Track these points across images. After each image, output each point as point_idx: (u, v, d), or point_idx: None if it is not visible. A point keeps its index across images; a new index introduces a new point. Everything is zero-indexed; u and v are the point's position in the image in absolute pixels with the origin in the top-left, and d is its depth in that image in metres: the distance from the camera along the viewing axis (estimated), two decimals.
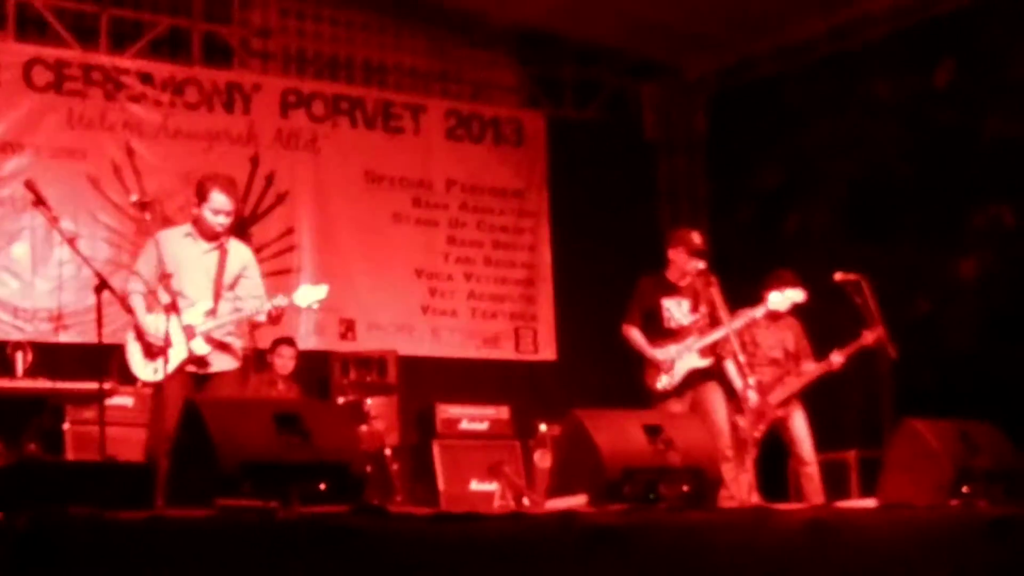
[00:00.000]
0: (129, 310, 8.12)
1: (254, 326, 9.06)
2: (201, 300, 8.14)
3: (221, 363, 8.21)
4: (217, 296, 8.20)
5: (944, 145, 12.08)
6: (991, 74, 11.92)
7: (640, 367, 9.58)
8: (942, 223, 12.09)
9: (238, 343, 8.39)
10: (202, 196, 8.20)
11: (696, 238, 9.53)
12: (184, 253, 8.19)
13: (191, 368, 8.04)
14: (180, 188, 12.12)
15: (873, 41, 12.71)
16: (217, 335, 8.15)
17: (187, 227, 8.36)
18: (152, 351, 8.05)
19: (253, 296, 8.33)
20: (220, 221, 8.19)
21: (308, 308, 8.53)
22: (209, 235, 8.23)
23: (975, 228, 11.92)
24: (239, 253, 8.41)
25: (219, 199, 8.16)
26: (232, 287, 8.30)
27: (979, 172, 11.84)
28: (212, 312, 8.15)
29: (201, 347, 8.06)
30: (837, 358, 10.11)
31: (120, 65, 12.39)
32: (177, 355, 7.95)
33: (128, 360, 8.22)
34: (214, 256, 8.25)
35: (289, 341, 11.69)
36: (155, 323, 8.02)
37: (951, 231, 12.06)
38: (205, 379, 8.15)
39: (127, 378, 8.68)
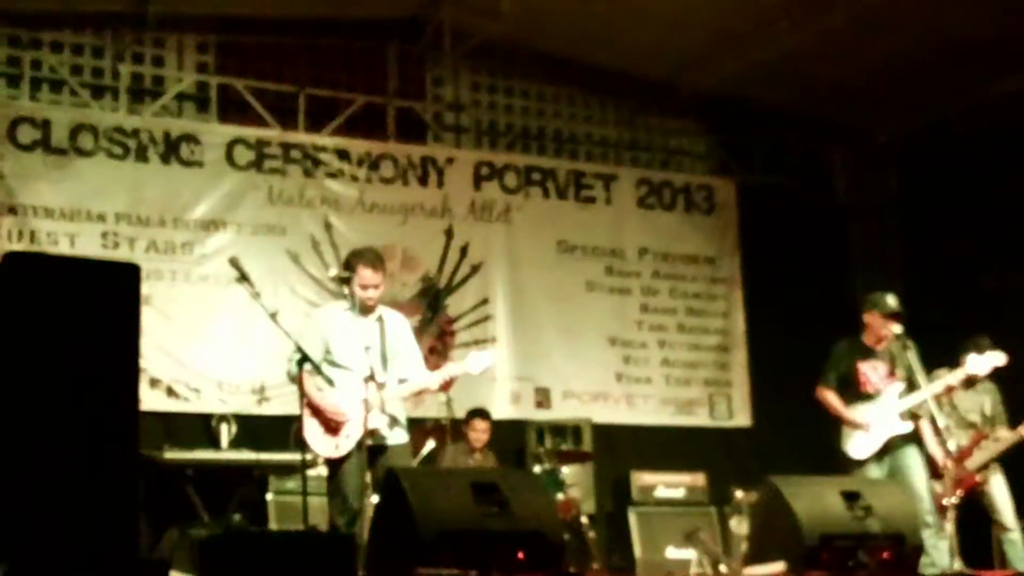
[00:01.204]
0: (301, 388, 8.19)
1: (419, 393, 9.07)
2: (367, 373, 8.09)
3: (394, 435, 8.25)
4: (384, 363, 8.23)
5: None
6: None
7: (836, 432, 9.48)
8: None
9: (404, 415, 8.45)
10: (351, 271, 8.30)
11: (892, 301, 9.43)
12: (345, 328, 8.26)
13: (368, 441, 8.09)
14: None
15: None
16: (389, 408, 8.23)
17: (345, 303, 8.47)
18: (331, 426, 8.12)
19: (413, 364, 8.41)
20: (369, 295, 8.27)
21: (480, 375, 8.55)
22: (363, 308, 8.29)
23: None
24: (394, 323, 8.46)
25: (365, 273, 8.25)
26: (395, 353, 8.35)
27: None
28: (382, 385, 8.16)
29: (378, 419, 8.10)
30: None
31: (318, 143, 12.68)
32: (356, 430, 7.99)
33: (306, 436, 8.18)
34: (375, 328, 8.31)
35: (483, 413, 11.66)
36: (331, 399, 8.12)
37: None
38: (379, 452, 8.16)
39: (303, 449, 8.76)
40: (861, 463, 9.28)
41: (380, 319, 8.36)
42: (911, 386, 9.29)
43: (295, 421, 8.16)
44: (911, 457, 9.33)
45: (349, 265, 8.34)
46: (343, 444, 8.01)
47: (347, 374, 8.12)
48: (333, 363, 8.20)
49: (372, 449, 8.10)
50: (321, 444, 8.13)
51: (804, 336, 12.40)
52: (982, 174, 13.23)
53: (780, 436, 13.23)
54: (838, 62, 12.75)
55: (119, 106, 12.13)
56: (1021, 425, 9.98)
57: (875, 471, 9.23)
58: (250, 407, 11.79)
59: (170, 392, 11.63)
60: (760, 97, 13.99)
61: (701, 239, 14.23)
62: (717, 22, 12.40)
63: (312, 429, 8.16)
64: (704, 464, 12.64)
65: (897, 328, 9.25)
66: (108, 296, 4.83)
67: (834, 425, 9.49)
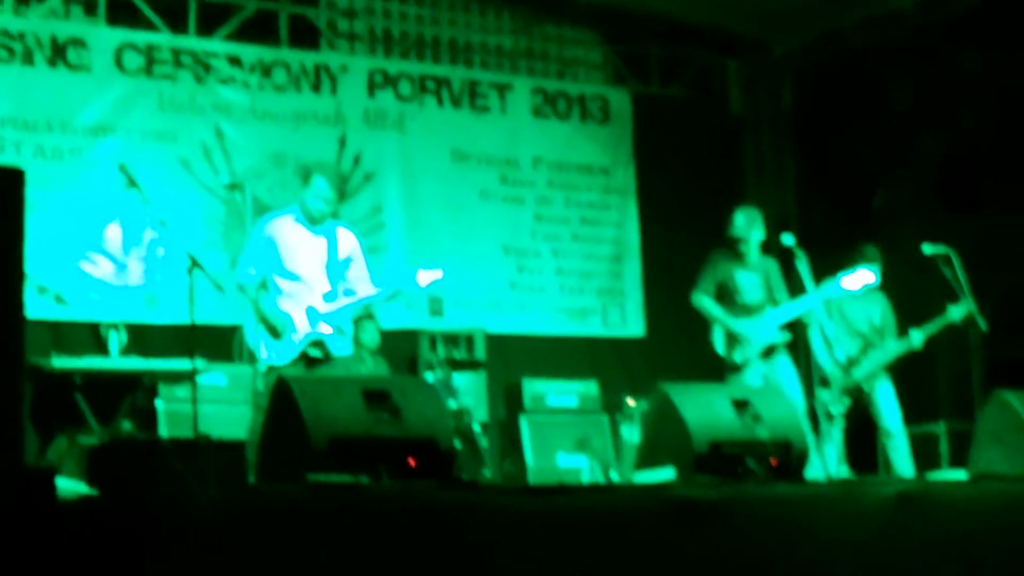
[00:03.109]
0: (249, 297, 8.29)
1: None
2: (317, 284, 8.31)
3: (339, 347, 8.37)
4: (333, 278, 8.36)
5: None
6: None
7: (714, 337, 9.59)
8: None
9: (350, 327, 8.57)
10: (305, 181, 8.44)
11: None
12: (295, 238, 8.39)
13: (313, 352, 8.21)
14: (269, 169, 12.30)
15: (962, 12, 12.54)
16: (336, 320, 8.29)
17: (294, 212, 8.53)
18: (275, 335, 8.23)
19: (362, 281, 8.47)
20: (320, 208, 8.34)
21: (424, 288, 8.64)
22: (312, 220, 8.40)
23: None
24: (346, 239, 8.55)
25: (320, 184, 8.37)
26: (346, 269, 8.45)
27: None
28: (330, 296, 8.30)
29: (323, 330, 8.23)
30: (918, 337, 10.01)
31: (209, 49, 12.51)
32: (300, 339, 8.18)
33: (250, 343, 8.46)
34: (323, 241, 8.42)
35: (370, 315, 11.72)
36: (276, 308, 8.25)
37: None
38: (323, 363, 8.30)
39: (251, 360, 8.85)
40: (736, 368, 9.40)
41: (330, 232, 8.42)
42: (797, 296, 9.39)
43: (238, 329, 8.28)
44: (784, 366, 9.46)
45: (306, 174, 8.47)
46: (285, 353, 8.14)
47: (295, 284, 8.27)
48: (283, 272, 8.29)
49: (318, 360, 8.24)
50: (265, 352, 8.25)
51: (697, 246, 12.44)
52: (877, 87, 13.30)
53: (672, 345, 13.33)
54: None
55: (4, 8, 11.84)
56: (908, 334, 10.08)
57: (752, 377, 9.35)
58: (140, 314, 11.69)
59: (58, 299, 11.50)
60: (656, 7, 13.94)
61: (596, 149, 14.22)
62: None
63: (259, 336, 8.29)
64: (597, 372, 12.72)
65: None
66: None
67: (713, 331, 9.60)
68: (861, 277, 9.50)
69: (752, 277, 9.57)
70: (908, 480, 8.72)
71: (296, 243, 8.38)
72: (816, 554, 6.03)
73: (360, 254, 8.60)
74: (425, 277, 8.36)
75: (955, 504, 6.68)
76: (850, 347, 10.04)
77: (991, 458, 7.89)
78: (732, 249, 9.68)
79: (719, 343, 9.53)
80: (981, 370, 9.59)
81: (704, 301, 9.60)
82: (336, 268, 8.40)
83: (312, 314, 8.22)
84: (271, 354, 8.26)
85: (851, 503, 6.48)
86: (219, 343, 10.99)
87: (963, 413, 10.34)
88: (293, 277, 8.33)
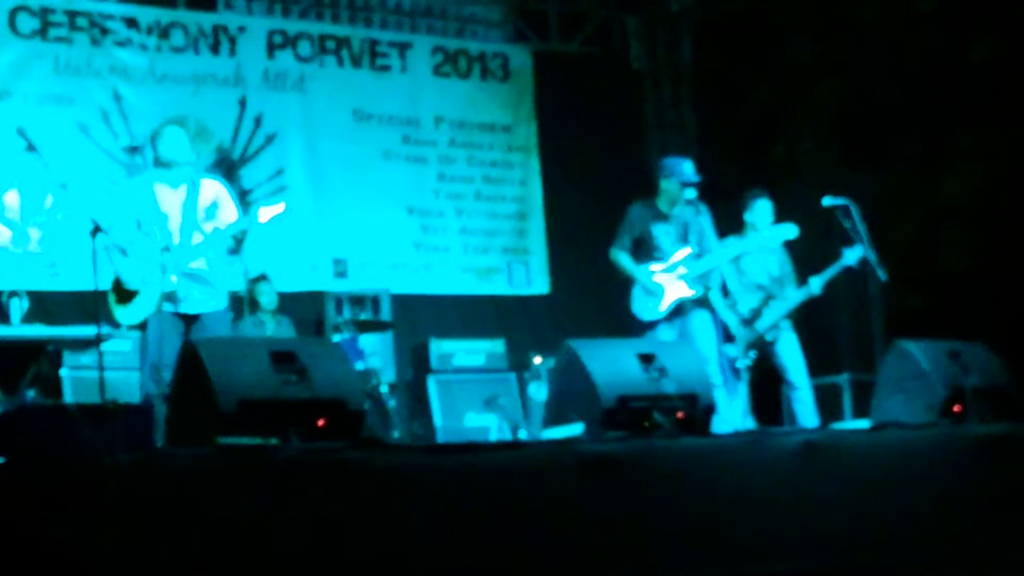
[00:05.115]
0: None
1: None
2: (173, 235, 8.28)
3: (204, 301, 8.34)
4: (187, 228, 8.30)
5: (931, 65, 12.05)
6: None
7: (629, 294, 9.61)
8: (930, 144, 12.09)
9: (223, 283, 8.51)
10: (154, 137, 8.52)
11: (688, 168, 9.52)
12: (152, 197, 8.35)
13: (173, 307, 8.19)
14: None
15: None
16: (190, 267, 8.27)
17: (153, 172, 8.53)
18: (124, 295, 8.24)
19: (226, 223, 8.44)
20: (173, 155, 8.38)
21: (266, 224, 8.53)
22: (168, 169, 8.41)
23: (963, 148, 11.92)
24: (210, 187, 8.53)
25: (173, 132, 8.50)
26: (208, 221, 8.39)
27: (967, 92, 11.82)
28: (183, 245, 8.28)
29: (175, 281, 8.17)
30: (816, 283, 10.09)
31: (104, 11, 12.36)
32: (153, 294, 8.15)
33: (109, 309, 8.41)
34: (182, 191, 8.38)
35: (264, 277, 11.65)
36: (127, 268, 8.22)
37: (939, 152, 12.06)
38: (194, 320, 8.28)
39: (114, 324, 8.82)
40: (652, 325, 9.44)
41: (190, 183, 8.40)
42: (703, 251, 9.44)
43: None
44: (699, 321, 9.49)
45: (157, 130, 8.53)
46: (136, 312, 8.15)
47: (148, 241, 8.22)
48: (140, 232, 8.29)
49: (187, 319, 8.24)
50: (119, 313, 8.31)
51: (601, 203, 12.53)
52: (773, 39, 13.37)
53: (578, 302, 13.41)
54: None
55: None
56: (806, 283, 10.14)
57: (666, 334, 9.39)
58: (42, 282, 11.57)
59: None
60: None
61: (497, 107, 14.22)
62: None
63: (111, 300, 8.33)
64: (503, 331, 12.74)
65: (691, 194, 9.36)
66: None
67: (628, 288, 9.61)
68: (783, 232, 9.61)
69: (669, 229, 9.57)
70: (813, 430, 8.81)
71: (156, 199, 8.35)
72: (724, 506, 6.10)
73: (228, 200, 8.54)
74: (266, 213, 8.26)
75: (858, 452, 6.78)
76: (751, 300, 10.10)
77: (893, 407, 8.00)
78: (650, 200, 9.68)
79: (635, 300, 9.54)
80: (881, 322, 9.68)
81: (620, 257, 9.59)
82: (195, 217, 8.35)
83: (163, 265, 8.19)
84: (125, 315, 8.30)
85: (757, 454, 6.56)
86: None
87: (865, 364, 10.45)
88: (149, 235, 8.30)
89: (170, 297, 8.17)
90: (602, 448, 6.23)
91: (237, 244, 8.56)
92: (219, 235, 8.32)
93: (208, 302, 8.37)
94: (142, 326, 8.27)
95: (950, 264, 11.94)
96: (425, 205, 13.67)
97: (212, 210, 8.42)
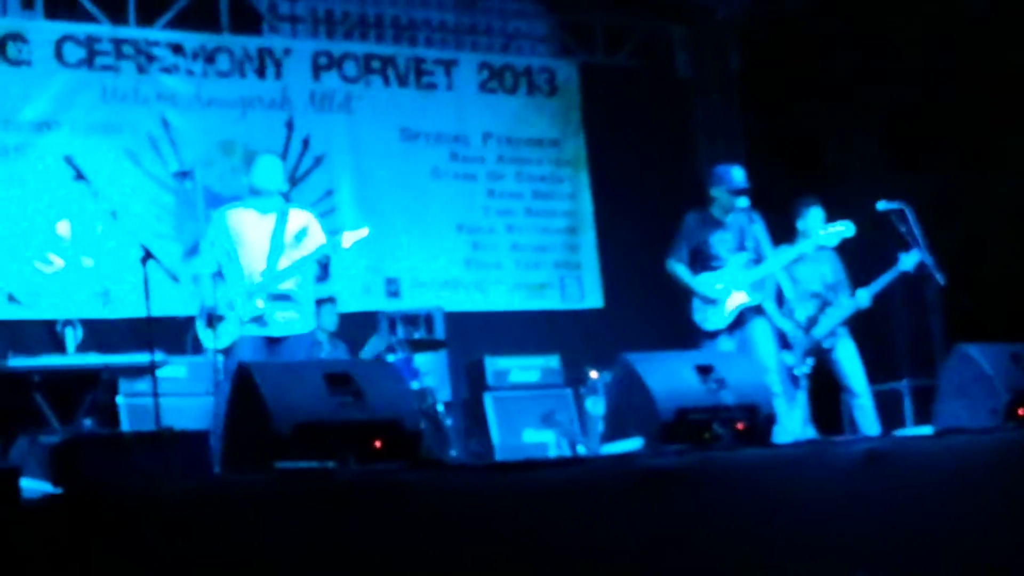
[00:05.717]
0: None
1: None
2: (260, 261, 8.43)
3: (290, 324, 8.45)
4: (275, 255, 8.44)
5: (980, 68, 11.93)
6: None
7: (688, 305, 9.54)
8: (981, 146, 11.97)
9: (310, 307, 8.66)
10: (248, 164, 8.75)
11: (738, 175, 9.46)
12: (244, 224, 8.53)
13: (259, 330, 8.33)
14: (218, 157, 12.24)
15: None
16: (276, 290, 8.39)
17: (244, 200, 8.68)
18: (211, 320, 8.35)
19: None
20: (266, 184, 8.55)
21: (350, 249, 8.65)
22: (259, 198, 8.58)
23: (1014, 150, 11.80)
24: (299, 215, 8.68)
25: (265, 160, 8.70)
26: (296, 248, 8.51)
27: (1017, 94, 11.69)
28: (269, 270, 8.41)
29: (261, 306, 8.33)
30: (864, 295, 9.99)
31: (150, 38, 12.40)
32: (239, 319, 8.32)
33: (199, 335, 8.66)
34: (271, 218, 8.52)
35: (331, 299, 11.62)
36: (216, 294, 8.38)
37: (991, 153, 11.94)
38: (279, 343, 8.40)
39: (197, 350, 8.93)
40: (712, 336, 9.36)
41: (280, 212, 8.55)
42: (759, 259, 9.37)
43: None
44: (759, 329, 9.42)
45: (249, 159, 8.97)
46: (223, 336, 8.28)
47: (236, 267, 8.46)
48: (235, 261, 8.47)
49: (271, 341, 8.40)
50: (207, 338, 8.46)
51: (651, 214, 12.48)
52: (822, 46, 13.28)
53: (632, 315, 13.33)
54: None
55: None
56: (856, 293, 10.06)
57: (726, 344, 9.32)
58: (95, 310, 11.60)
59: (11, 299, 11.41)
60: None
61: (545, 122, 14.18)
62: None
63: (200, 326, 8.52)
64: (558, 346, 12.68)
65: (743, 202, 9.31)
66: None
67: (686, 298, 9.54)
68: (840, 232, 9.55)
69: (726, 237, 9.50)
70: (875, 438, 8.72)
71: (246, 228, 8.50)
72: (786, 517, 6.03)
73: (317, 227, 8.68)
74: (350, 238, 8.43)
75: (921, 460, 6.69)
76: (807, 308, 10.02)
77: (955, 412, 7.91)
78: (705, 210, 9.62)
79: (696, 310, 9.47)
80: (941, 326, 9.59)
81: (677, 268, 9.53)
82: (282, 242, 8.47)
83: (249, 291, 8.34)
84: (214, 341, 8.35)
85: (819, 464, 6.49)
86: (177, 335, 10.90)
87: (926, 370, 10.35)
88: (242, 264, 8.44)
89: (257, 320, 8.32)
90: (661, 462, 6.17)
91: (323, 270, 8.70)
92: (305, 261, 8.46)
93: (294, 324, 8.49)
94: (227, 351, 8.37)
95: (1006, 266, 11.80)
96: (475, 222, 13.64)
97: (300, 236, 8.56)
